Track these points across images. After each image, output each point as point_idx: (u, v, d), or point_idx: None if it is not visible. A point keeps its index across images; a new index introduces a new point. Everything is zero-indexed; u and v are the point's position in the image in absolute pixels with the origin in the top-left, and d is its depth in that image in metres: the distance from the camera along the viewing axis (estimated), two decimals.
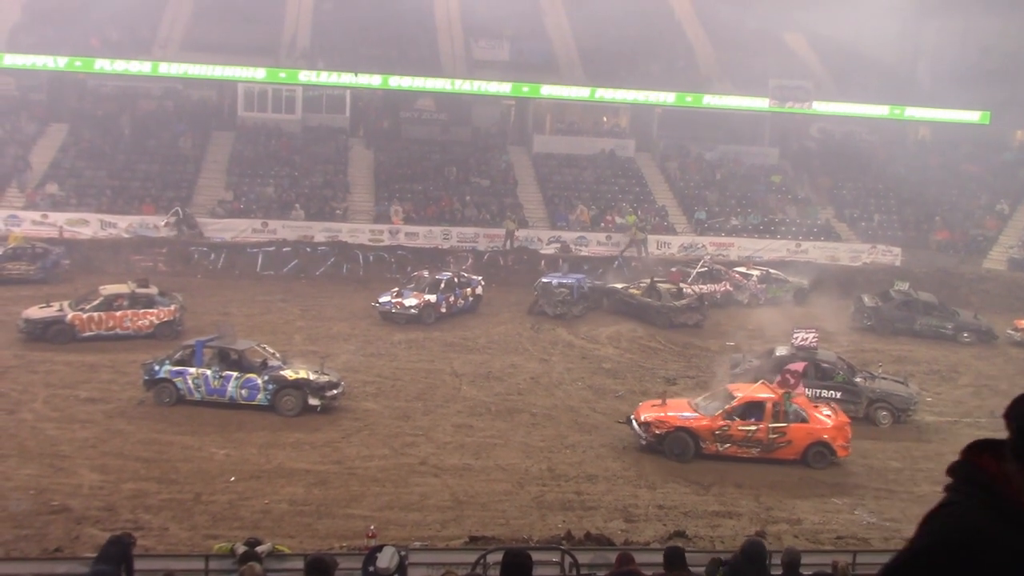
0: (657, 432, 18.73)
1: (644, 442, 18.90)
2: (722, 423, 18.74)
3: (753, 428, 18.73)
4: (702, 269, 33.70)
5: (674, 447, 18.72)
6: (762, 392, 19.46)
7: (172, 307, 25.83)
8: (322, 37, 45.52)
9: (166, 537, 14.13)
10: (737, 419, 18.81)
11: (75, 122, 41.02)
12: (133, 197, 36.81)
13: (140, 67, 41.09)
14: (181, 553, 13.25)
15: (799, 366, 21.29)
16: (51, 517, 14.56)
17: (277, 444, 18.29)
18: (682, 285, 32.09)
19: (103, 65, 40.77)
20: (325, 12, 47.34)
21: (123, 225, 34.96)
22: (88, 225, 34.61)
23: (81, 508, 14.90)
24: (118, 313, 25.18)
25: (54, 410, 19.50)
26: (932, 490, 17.92)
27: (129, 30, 43.12)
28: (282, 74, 42.04)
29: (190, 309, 26.88)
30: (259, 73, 41.67)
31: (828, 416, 19.42)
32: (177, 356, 20.54)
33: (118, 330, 25.06)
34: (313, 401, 19.99)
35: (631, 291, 31.52)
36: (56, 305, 25.24)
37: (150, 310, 25.47)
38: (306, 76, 42.10)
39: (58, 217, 34.57)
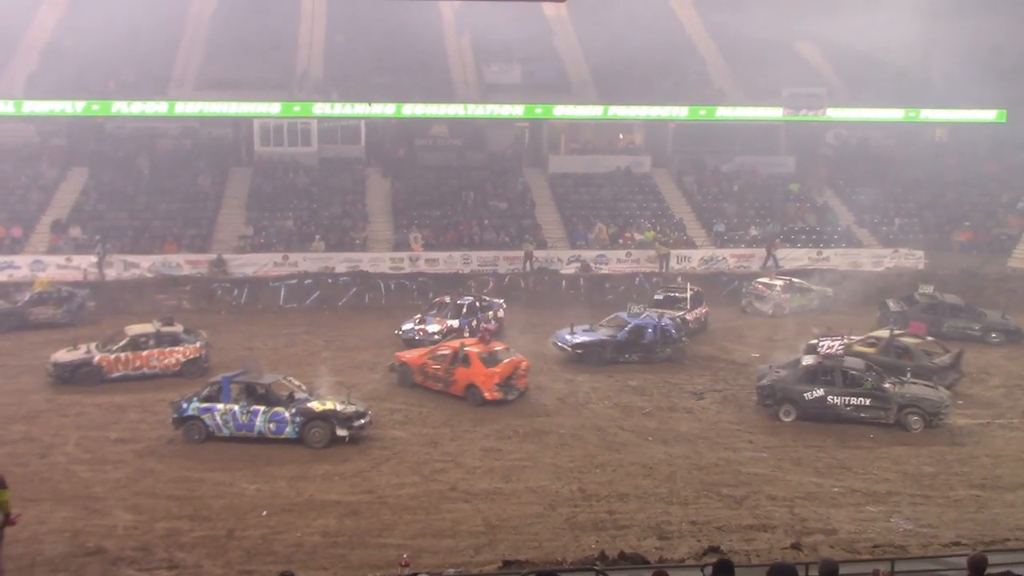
0: (395, 364, 25.33)
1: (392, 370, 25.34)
2: (423, 361, 24.60)
3: (438, 367, 24.14)
4: (691, 293, 31.88)
5: (401, 372, 24.98)
6: (451, 342, 25.67)
7: (198, 344, 25.99)
8: (334, 69, 45.93)
9: (201, 575, 14.16)
10: (430, 360, 24.50)
11: (95, 165, 41.51)
12: (155, 237, 37.16)
13: (156, 107, 41.55)
14: None
15: (492, 327, 28.30)
16: (87, 559, 14.60)
17: (307, 476, 18.31)
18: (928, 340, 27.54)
19: (120, 107, 41.26)
20: (336, 44, 47.77)
21: (146, 265, 35.28)
22: (112, 267, 34.92)
23: (116, 549, 14.94)
24: (144, 353, 25.34)
25: (86, 452, 19.62)
26: (968, 494, 17.77)
27: (144, 71, 43.62)
28: (296, 107, 42.41)
29: (215, 345, 27.04)
30: (274, 108, 42.05)
31: (493, 368, 23.58)
32: (204, 393, 20.64)
33: (145, 369, 25.23)
34: (341, 432, 20.01)
35: (857, 347, 25.70)
36: (83, 347, 25.48)
37: (176, 348, 25.62)
38: (320, 108, 42.44)
39: (81, 260, 34.92)
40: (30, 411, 22.33)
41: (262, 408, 20.24)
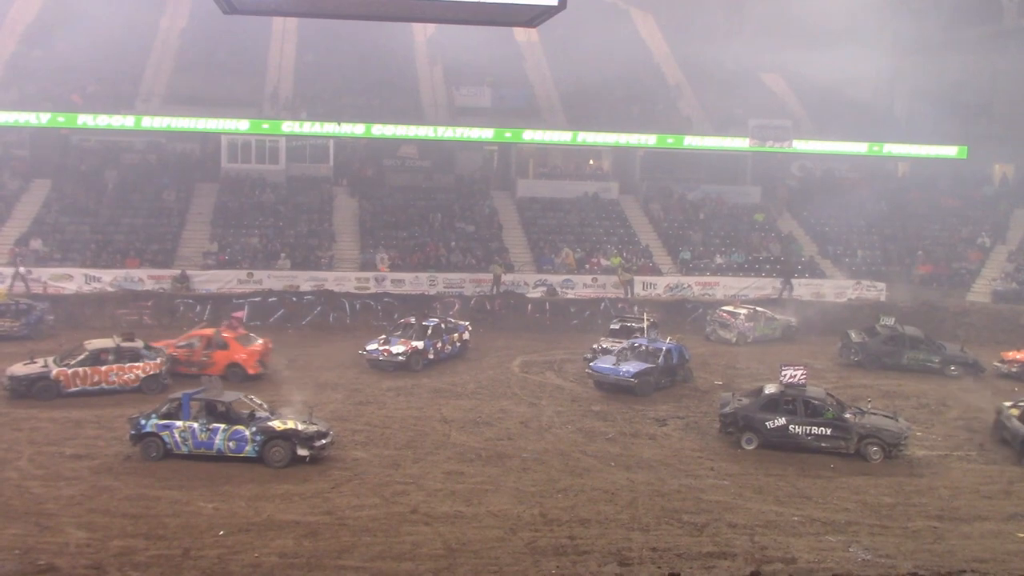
0: None
1: None
2: (179, 350, 27.05)
3: (189, 352, 27.02)
4: (648, 323, 31.01)
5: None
6: (204, 330, 28.62)
7: (158, 360, 25.67)
8: (304, 87, 45.92)
9: None
10: (184, 348, 27.19)
11: (58, 177, 41.02)
12: (117, 251, 36.72)
13: (123, 121, 41.22)
14: None
15: (241, 313, 32.55)
16: None
17: (266, 496, 18.09)
18: None
19: (86, 120, 40.92)
20: (307, 63, 47.78)
21: (107, 279, 34.86)
22: (72, 280, 34.49)
23: (68, 567, 14.65)
24: (103, 368, 24.98)
25: (39, 468, 19.27)
26: (926, 525, 17.93)
27: (111, 85, 43.36)
28: (265, 125, 42.27)
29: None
30: (242, 124, 41.87)
31: (243, 349, 27.23)
32: (164, 410, 20.35)
33: (104, 385, 24.86)
34: (302, 452, 19.81)
35: (1010, 411, 23.45)
36: (41, 361, 25.04)
37: (136, 364, 25.28)
38: (289, 127, 42.34)
39: (41, 272, 34.43)
40: None
41: (222, 426, 19.99)
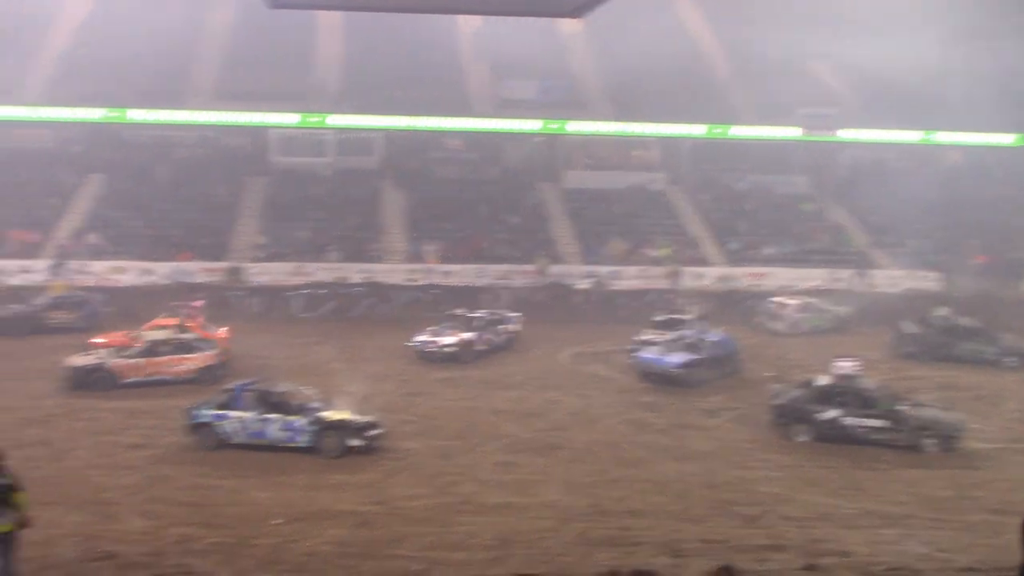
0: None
1: None
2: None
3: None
4: (693, 314, 30.99)
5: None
6: (167, 319, 28.74)
7: (212, 352, 26.05)
8: (351, 81, 46.16)
9: None
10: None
11: (112, 172, 41.73)
12: (171, 245, 37.30)
13: (174, 116, 41.84)
14: None
15: (199, 303, 31.13)
16: (99, 564, 14.54)
17: (319, 486, 18.31)
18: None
19: (138, 115, 41.55)
20: (354, 56, 48.03)
21: (161, 272, 35.42)
22: (127, 273, 35.11)
23: (128, 554, 14.88)
24: (159, 359, 25.42)
25: (99, 457, 19.68)
26: (983, 519, 17.62)
27: (163, 80, 43.94)
28: (313, 119, 42.61)
29: (229, 353, 27.10)
30: (291, 118, 42.27)
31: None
32: (218, 400, 20.69)
33: (159, 376, 25.30)
34: (354, 442, 20.02)
35: None
36: (98, 352, 25.54)
37: (191, 355, 25.70)
38: (337, 120, 42.65)
39: (97, 266, 35.11)
40: (45, 415, 22.44)
41: (275, 416, 20.27)
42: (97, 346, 27.19)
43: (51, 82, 43.23)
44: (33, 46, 45.11)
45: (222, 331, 28.86)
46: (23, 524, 12.71)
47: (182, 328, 27.67)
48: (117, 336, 28.00)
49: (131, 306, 33.64)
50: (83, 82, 42.82)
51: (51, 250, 36.57)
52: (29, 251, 36.33)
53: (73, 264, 35.21)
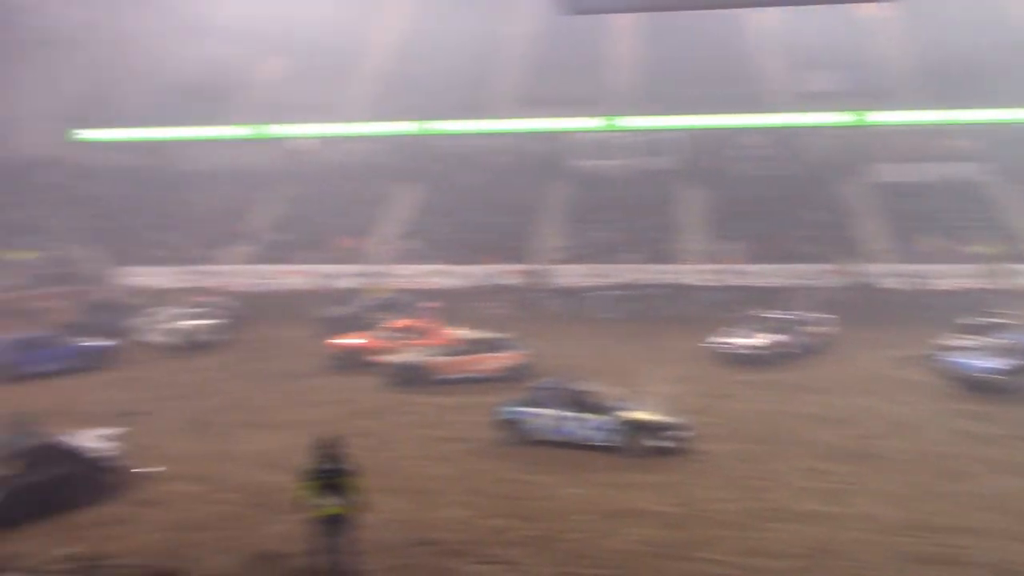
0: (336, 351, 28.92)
1: None
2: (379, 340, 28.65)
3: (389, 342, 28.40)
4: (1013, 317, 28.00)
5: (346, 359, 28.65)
6: (405, 321, 29.87)
7: (519, 351, 27.10)
8: (647, 82, 46.28)
9: (528, 572, 14.61)
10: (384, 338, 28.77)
11: (425, 181, 44.51)
12: (477, 248, 39.18)
13: (479, 126, 43.95)
14: None
15: (435, 304, 32.06)
16: (420, 548, 15.44)
17: (624, 484, 18.47)
18: None
19: (448, 126, 44.05)
20: (648, 57, 48.16)
21: (469, 275, 37.32)
22: (441, 276, 37.31)
23: (448, 541, 15.72)
24: (470, 357, 26.79)
25: (419, 448, 21.00)
26: None
27: (468, 92, 46.26)
28: (610, 122, 43.17)
29: (534, 353, 28.04)
30: (590, 122, 43.06)
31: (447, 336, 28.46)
32: (525, 398, 21.45)
33: (471, 374, 26.63)
34: (657, 442, 20.05)
35: None
36: (416, 351, 27.34)
37: (499, 354, 26.88)
38: (633, 122, 42.93)
39: (416, 269, 37.60)
40: (373, 408, 24.31)
41: (579, 415, 20.70)
42: (348, 347, 29.21)
43: (370, 99, 46.82)
44: (354, 68, 49.06)
45: (459, 332, 29.63)
46: (357, 508, 13.86)
47: (421, 329, 29.28)
48: (369, 335, 29.78)
49: (446, 307, 35.56)
50: (398, 98, 46.02)
51: (371, 255, 39.62)
52: (352, 256, 39.53)
53: (390, 268, 37.90)
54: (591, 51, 48.25)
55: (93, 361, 29.27)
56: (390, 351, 27.95)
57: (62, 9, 43.41)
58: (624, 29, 50.30)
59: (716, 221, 40.23)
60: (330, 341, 29.65)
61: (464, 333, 28.01)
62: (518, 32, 51.42)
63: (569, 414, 20.74)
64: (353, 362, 28.43)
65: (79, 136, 45.31)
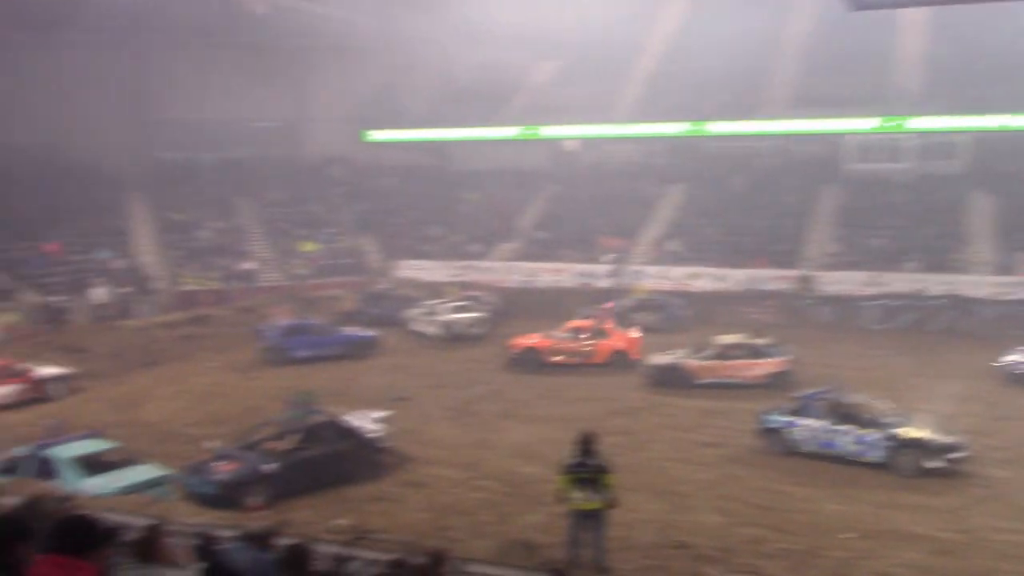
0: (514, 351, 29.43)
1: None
2: (550, 344, 29.12)
3: (573, 345, 28.91)
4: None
5: (526, 358, 29.05)
6: (584, 321, 30.35)
7: (783, 359, 26.18)
8: (934, 81, 43.26)
9: None
10: (559, 342, 29.09)
11: (692, 183, 43.98)
12: (744, 252, 38.25)
13: (751, 127, 42.80)
14: None
15: (611, 304, 33.27)
16: (673, 552, 15.26)
17: (893, 505, 17.40)
18: None
19: (717, 128, 43.24)
20: (938, 53, 44.98)
21: (735, 279, 36.50)
22: (702, 279, 36.76)
23: (700, 546, 15.44)
24: (731, 363, 26.17)
25: (676, 451, 20.78)
26: None
27: (741, 92, 45.19)
28: (893, 123, 40.74)
29: (799, 361, 27.00)
30: (868, 123, 40.88)
31: (624, 337, 29.38)
32: (790, 408, 20.69)
33: (731, 379, 26.03)
34: (932, 463, 18.71)
35: None
36: (675, 353, 27.07)
37: (762, 360, 26.09)
38: (917, 123, 40.30)
39: (677, 271, 37.27)
40: (629, 407, 24.34)
41: (847, 428, 19.70)
42: (525, 346, 29.41)
43: (639, 100, 46.82)
44: (625, 68, 49.25)
45: (634, 333, 29.92)
46: (611, 504, 13.90)
47: (598, 330, 29.36)
48: (536, 337, 29.67)
49: (707, 311, 35.08)
50: (668, 98, 45.72)
51: (634, 255, 39.67)
52: (614, 256, 39.74)
53: (654, 269, 37.79)
54: (873, 48, 45.70)
55: (356, 349, 31.08)
56: (562, 351, 28.80)
57: (353, 17, 46.52)
58: (910, 24, 47.31)
59: (1006, 230, 36.91)
60: (510, 341, 30.14)
61: (727, 338, 27.36)
62: (796, 29, 49.67)
63: (838, 427, 19.81)
64: (530, 361, 28.89)
65: (368, 136, 48.37)
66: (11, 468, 17.14)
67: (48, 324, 32.42)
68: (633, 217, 42.71)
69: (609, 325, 30.28)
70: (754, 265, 37.19)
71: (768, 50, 47.93)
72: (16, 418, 23.49)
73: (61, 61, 41.70)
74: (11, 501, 10.56)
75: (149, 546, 6.63)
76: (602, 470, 13.69)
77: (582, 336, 29.20)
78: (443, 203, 47.63)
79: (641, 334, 30.10)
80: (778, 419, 20.48)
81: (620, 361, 28.56)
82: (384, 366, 29.81)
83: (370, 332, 32.14)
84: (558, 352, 28.89)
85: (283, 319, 32.32)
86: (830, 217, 40.27)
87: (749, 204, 41.62)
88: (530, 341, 29.52)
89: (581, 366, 28.57)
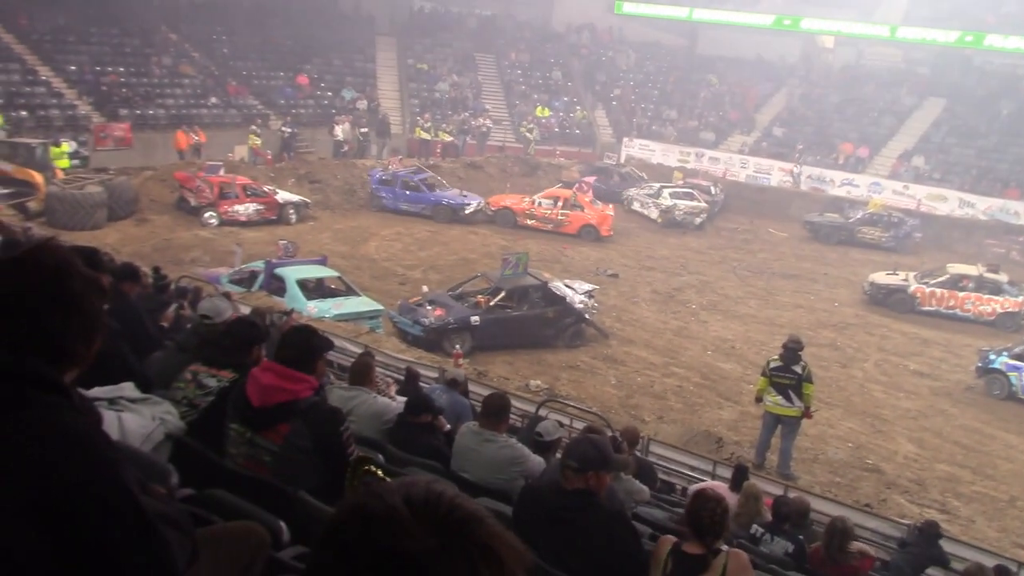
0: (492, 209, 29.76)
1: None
2: (527, 208, 29.41)
3: (547, 212, 29.19)
4: None
5: (503, 216, 29.54)
6: (561, 190, 30.30)
7: (1020, 299, 24.43)
8: None
9: (971, 530, 13.59)
10: (535, 206, 29.30)
11: (953, 98, 40.72)
12: (997, 180, 35.41)
13: None
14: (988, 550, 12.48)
15: (591, 179, 33.50)
16: (863, 473, 14.96)
17: None
18: None
19: (993, 41, 39.51)
20: None
21: (981, 207, 33.97)
22: (946, 202, 34.41)
23: (892, 474, 15.05)
24: (961, 294, 24.66)
25: (882, 374, 20.08)
26: None
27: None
28: None
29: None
30: None
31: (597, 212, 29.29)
32: (1017, 350, 19.43)
33: (958, 311, 24.59)
34: None
35: None
36: (902, 275, 25.77)
37: (995, 297, 24.45)
38: None
39: (918, 190, 35.03)
40: (840, 322, 23.56)
41: None
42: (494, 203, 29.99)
43: (911, 2, 43.28)
44: None
45: (607, 208, 30.03)
46: (807, 415, 13.70)
47: (574, 202, 29.43)
48: (514, 198, 30.24)
49: (944, 236, 33.00)
50: (941, 2, 42.07)
51: (876, 168, 37.53)
52: (856, 165, 37.76)
53: (895, 185, 35.68)
54: None
55: (443, 214, 29.56)
56: (535, 216, 29.27)
57: None
58: None
59: None
60: (490, 198, 30.56)
61: (962, 268, 25.75)
62: None
63: None
64: (505, 220, 29.49)
65: (620, 8, 47.20)
66: (245, 280, 18.69)
67: (291, 153, 34.35)
68: (881, 127, 40.22)
69: (586, 199, 30.28)
70: (1006, 195, 34.37)
71: None
72: (254, 235, 25.31)
73: None
74: (244, 310, 11.57)
75: (359, 371, 7.11)
76: (804, 379, 13.45)
77: (558, 205, 29.40)
78: (683, 86, 46.41)
79: (612, 212, 30.28)
80: (1001, 360, 19.30)
81: (590, 234, 28.96)
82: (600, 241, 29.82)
83: (473, 199, 30.35)
84: (532, 216, 29.47)
85: (399, 168, 31.74)
86: None
87: (1012, 129, 38.17)
88: (507, 201, 30.14)
89: (552, 233, 29.02)
